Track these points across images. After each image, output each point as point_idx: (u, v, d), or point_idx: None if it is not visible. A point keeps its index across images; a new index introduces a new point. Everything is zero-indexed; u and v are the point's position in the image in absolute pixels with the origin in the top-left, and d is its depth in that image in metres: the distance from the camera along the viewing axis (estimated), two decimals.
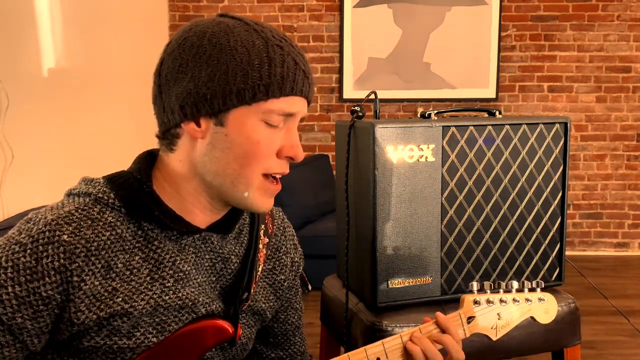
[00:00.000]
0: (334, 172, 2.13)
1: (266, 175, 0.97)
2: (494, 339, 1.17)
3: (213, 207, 0.99)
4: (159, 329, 0.95)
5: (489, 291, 1.17)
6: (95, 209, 0.93)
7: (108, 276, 0.91)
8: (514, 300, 1.18)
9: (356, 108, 1.61)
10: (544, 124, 1.68)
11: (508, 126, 1.64)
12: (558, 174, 1.71)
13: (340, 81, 4.66)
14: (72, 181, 1.00)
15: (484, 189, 1.64)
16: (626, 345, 3.01)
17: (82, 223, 0.90)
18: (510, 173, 1.66)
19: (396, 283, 1.59)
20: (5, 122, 2.56)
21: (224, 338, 1.00)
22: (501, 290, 1.19)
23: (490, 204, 1.65)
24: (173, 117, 0.94)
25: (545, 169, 1.69)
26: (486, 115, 1.75)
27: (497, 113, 1.72)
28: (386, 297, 1.58)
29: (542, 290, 1.22)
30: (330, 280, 1.90)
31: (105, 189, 0.95)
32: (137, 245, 0.94)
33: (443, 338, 1.08)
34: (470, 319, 1.15)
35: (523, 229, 1.69)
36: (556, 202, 1.72)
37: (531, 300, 1.19)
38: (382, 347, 1.07)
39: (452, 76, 4.61)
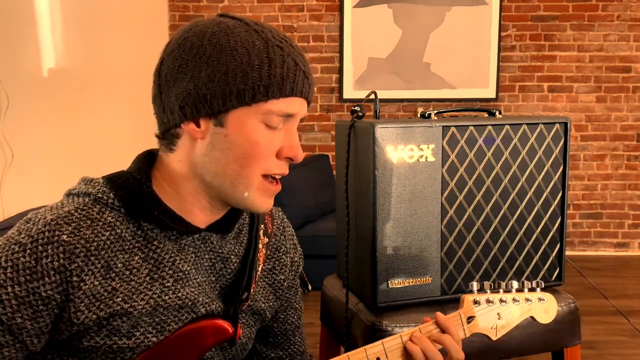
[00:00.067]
0: (334, 172, 2.13)
1: (266, 176, 0.97)
2: (494, 338, 1.17)
3: (213, 207, 0.99)
4: (158, 329, 0.95)
5: (489, 291, 1.17)
6: (94, 209, 0.93)
7: (108, 276, 0.91)
8: (514, 300, 1.18)
9: (356, 108, 1.61)
10: (544, 124, 1.68)
11: (508, 126, 1.64)
12: (558, 174, 1.71)
13: (340, 81, 4.66)
14: (72, 181, 1.00)
15: (484, 189, 1.64)
16: (626, 345, 3.01)
17: (81, 223, 0.90)
18: (510, 173, 1.66)
19: (396, 283, 1.59)
20: (5, 122, 2.56)
21: (223, 338, 1.00)
22: (501, 290, 1.19)
23: (490, 204, 1.65)
24: (173, 117, 0.94)
25: (545, 169, 1.69)
26: (486, 115, 1.75)
27: (497, 113, 1.72)
28: (386, 297, 1.58)
29: (542, 290, 1.22)
30: (330, 280, 1.90)
31: (104, 189, 0.95)
32: (136, 245, 0.94)
33: (443, 338, 1.08)
34: (470, 318, 1.15)
35: (523, 229, 1.69)
36: (556, 202, 1.72)
37: (531, 300, 1.19)
38: (382, 347, 1.07)
39: (452, 76, 4.61)
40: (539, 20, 4.59)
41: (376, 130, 1.52)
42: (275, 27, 0.97)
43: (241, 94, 0.91)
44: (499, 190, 1.65)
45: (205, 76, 0.90)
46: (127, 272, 0.92)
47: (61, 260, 0.87)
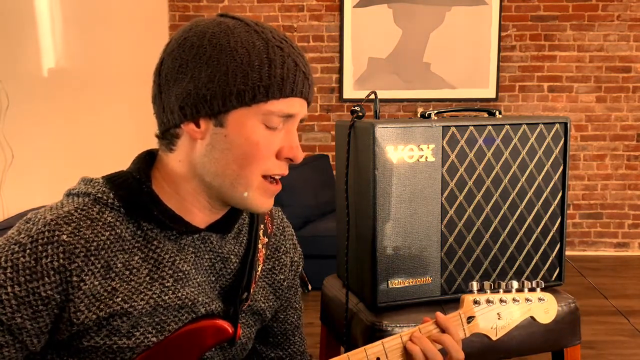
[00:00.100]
0: (334, 172, 2.13)
1: (265, 177, 0.97)
2: (494, 338, 1.17)
3: (212, 207, 0.99)
4: (158, 329, 0.95)
5: (489, 291, 1.17)
6: (94, 209, 0.93)
7: (107, 276, 0.91)
8: (514, 300, 1.18)
9: (356, 108, 1.61)
10: (544, 124, 1.68)
11: (508, 126, 1.64)
12: (558, 174, 1.71)
13: (340, 81, 4.66)
14: (72, 181, 1.00)
15: (484, 189, 1.64)
16: (626, 345, 3.01)
17: (81, 223, 0.90)
18: (510, 173, 1.66)
19: (396, 283, 1.59)
20: (5, 122, 2.56)
21: (223, 338, 1.00)
22: (501, 290, 1.19)
23: (490, 204, 1.65)
24: (172, 118, 0.94)
25: (545, 169, 1.69)
26: (486, 115, 1.75)
27: (497, 113, 1.72)
28: (386, 297, 1.58)
29: (542, 290, 1.22)
30: (330, 280, 1.90)
31: (104, 189, 0.95)
32: (136, 245, 0.94)
33: (443, 338, 1.08)
34: (470, 318, 1.15)
35: (523, 229, 1.69)
36: (556, 202, 1.72)
37: (531, 300, 1.19)
38: (382, 347, 1.07)
39: (452, 76, 4.61)
40: (539, 20, 4.59)
41: (376, 130, 1.52)
42: (275, 27, 0.97)
43: (241, 95, 0.91)
44: (499, 190, 1.65)
45: (205, 76, 0.90)
46: (127, 272, 0.92)
47: (61, 260, 0.87)
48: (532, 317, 1.20)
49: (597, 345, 2.98)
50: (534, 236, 1.70)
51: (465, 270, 1.65)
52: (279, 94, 0.92)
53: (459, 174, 1.61)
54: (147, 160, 1.01)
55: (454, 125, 1.59)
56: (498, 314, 1.17)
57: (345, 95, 4.66)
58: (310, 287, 3.53)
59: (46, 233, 0.88)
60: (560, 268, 1.75)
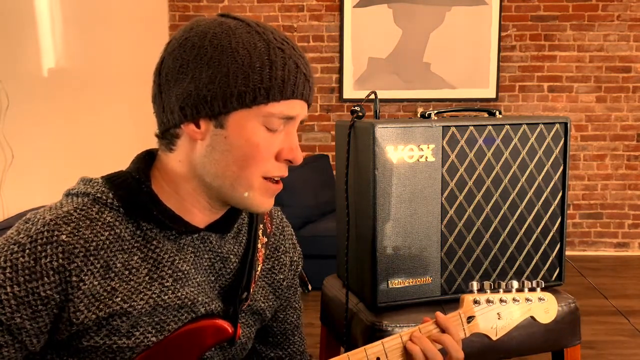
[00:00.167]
0: (334, 172, 2.13)
1: (266, 178, 0.96)
2: (494, 338, 1.17)
3: (212, 207, 0.99)
4: (158, 329, 0.95)
5: (489, 291, 1.17)
6: (93, 209, 0.93)
7: (107, 276, 0.91)
8: (514, 300, 1.18)
9: (356, 108, 1.61)
10: (544, 124, 1.68)
11: (508, 126, 1.64)
12: (558, 174, 1.71)
13: (340, 81, 4.66)
14: (72, 181, 1.00)
15: (484, 189, 1.64)
16: (626, 345, 3.01)
17: (80, 223, 0.90)
18: (510, 173, 1.66)
19: (396, 283, 1.59)
20: (5, 122, 2.56)
21: (223, 338, 1.00)
22: (501, 290, 1.19)
23: (490, 204, 1.65)
24: (172, 118, 0.94)
25: (545, 169, 1.69)
26: (486, 115, 1.75)
27: (497, 113, 1.72)
28: (386, 297, 1.58)
29: (542, 290, 1.22)
30: (330, 280, 1.90)
31: (103, 188, 0.95)
32: (135, 245, 0.94)
33: (443, 338, 1.08)
34: (470, 318, 1.15)
35: (523, 229, 1.69)
36: (556, 202, 1.72)
37: (531, 300, 1.19)
38: (382, 347, 1.06)
39: (452, 76, 4.61)
40: (539, 20, 4.59)
41: (376, 130, 1.52)
42: (275, 28, 0.97)
43: (242, 96, 0.90)
44: (499, 190, 1.65)
45: (206, 77, 0.90)
46: (127, 272, 0.92)
47: (60, 260, 0.87)
48: (532, 317, 1.20)
49: (597, 345, 2.98)
50: (534, 236, 1.70)
51: (465, 270, 1.65)
52: (279, 95, 0.92)
53: (459, 174, 1.61)
54: (147, 160, 1.01)
55: (454, 125, 1.59)
56: (498, 313, 1.16)
57: (345, 95, 4.66)
58: (310, 287, 3.53)
59: (45, 233, 0.88)
60: (560, 268, 1.75)
